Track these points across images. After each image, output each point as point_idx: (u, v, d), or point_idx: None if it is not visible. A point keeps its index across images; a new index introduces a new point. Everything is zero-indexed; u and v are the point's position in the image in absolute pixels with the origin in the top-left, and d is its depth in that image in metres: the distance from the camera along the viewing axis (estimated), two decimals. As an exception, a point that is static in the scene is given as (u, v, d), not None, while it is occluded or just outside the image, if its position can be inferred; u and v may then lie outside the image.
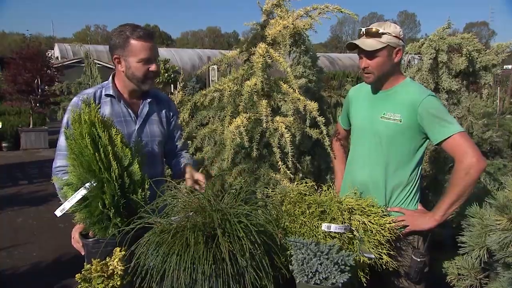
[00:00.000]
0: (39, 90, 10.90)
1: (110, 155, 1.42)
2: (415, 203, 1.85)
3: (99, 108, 1.53)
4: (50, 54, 13.36)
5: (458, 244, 1.67)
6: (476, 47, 2.71)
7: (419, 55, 2.93)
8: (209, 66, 2.02)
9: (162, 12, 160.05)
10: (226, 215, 1.28)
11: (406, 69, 3.22)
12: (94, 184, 1.41)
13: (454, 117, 2.69)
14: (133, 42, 1.78)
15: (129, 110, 1.92)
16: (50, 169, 1.88)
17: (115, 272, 1.26)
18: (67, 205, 1.40)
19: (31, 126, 10.89)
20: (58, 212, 1.41)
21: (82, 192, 1.41)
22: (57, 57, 20.14)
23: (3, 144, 10.56)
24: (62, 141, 1.82)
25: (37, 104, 11.21)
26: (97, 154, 1.40)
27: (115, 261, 1.27)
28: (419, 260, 1.69)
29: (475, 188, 2.23)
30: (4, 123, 10.42)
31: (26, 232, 4.78)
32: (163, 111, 2.04)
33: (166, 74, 16.30)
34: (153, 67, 1.84)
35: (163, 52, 21.58)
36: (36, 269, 3.81)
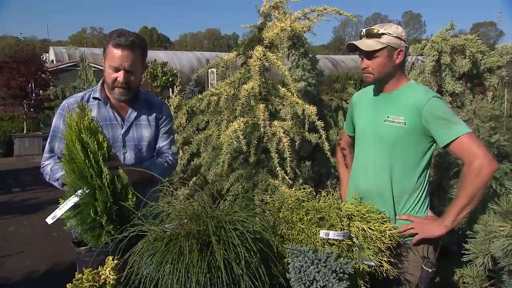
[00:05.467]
0: (33, 95, 10.75)
1: (101, 161, 1.40)
2: (424, 210, 1.78)
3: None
4: (44, 58, 13.21)
5: (462, 251, 1.63)
6: (480, 49, 2.67)
7: (423, 56, 2.89)
8: (208, 69, 1.99)
9: (160, 14, 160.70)
10: (221, 222, 1.25)
11: (410, 71, 3.18)
12: (86, 191, 1.38)
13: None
14: (109, 48, 1.79)
15: (116, 114, 1.92)
16: (43, 176, 1.89)
17: (107, 282, 1.23)
18: (58, 212, 1.38)
19: (24, 131, 10.71)
20: (49, 220, 1.39)
21: (73, 199, 1.39)
22: (52, 61, 19.78)
23: (-4, 151, 10.37)
24: (49, 142, 1.90)
25: (31, 109, 11.02)
26: (87, 161, 1.37)
27: (107, 270, 1.24)
28: (430, 270, 1.59)
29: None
30: (-3, 129, 10.35)
31: (19, 241, 4.65)
32: (154, 114, 2.01)
33: (164, 78, 16.15)
34: (120, 78, 1.80)
35: (161, 55, 21.46)
36: (28, 279, 3.69)
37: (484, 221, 1.56)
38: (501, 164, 3.32)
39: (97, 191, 1.37)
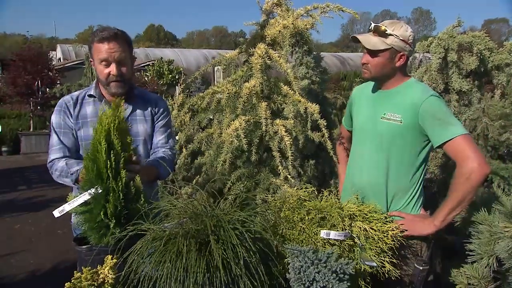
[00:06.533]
0: (40, 93, 10.82)
1: (120, 164, 1.39)
2: (417, 208, 1.78)
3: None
4: (51, 56, 13.22)
5: (466, 252, 1.60)
6: (488, 46, 2.62)
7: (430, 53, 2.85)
8: (214, 67, 1.98)
9: (167, 12, 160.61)
10: (220, 222, 1.24)
11: (418, 68, 3.14)
12: (100, 191, 1.37)
13: (465, 120, 2.60)
14: (95, 45, 1.81)
15: None
16: (50, 174, 1.88)
17: (106, 281, 1.23)
18: (67, 207, 1.38)
19: (31, 129, 10.80)
20: (56, 213, 1.39)
21: (84, 197, 1.38)
22: (59, 59, 19.66)
23: (3, 149, 10.47)
24: (54, 137, 1.89)
25: (38, 107, 11.11)
26: (108, 162, 1.36)
27: (106, 269, 1.24)
28: (421, 268, 1.62)
29: (486, 194, 2.15)
30: (4, 127, 10.36)
31: (24, 238, 4.67)
32: (149, 109, 2.01)
33: (171, 76, 16.00)
34: (113, 71, 1.82)
35: (168, 53, 21.30)
36: (33, 277, 3.69)
37: (489, 221, 1.53)
38: (510, 164, 3.26)
39: (110, 193, 1.36)
